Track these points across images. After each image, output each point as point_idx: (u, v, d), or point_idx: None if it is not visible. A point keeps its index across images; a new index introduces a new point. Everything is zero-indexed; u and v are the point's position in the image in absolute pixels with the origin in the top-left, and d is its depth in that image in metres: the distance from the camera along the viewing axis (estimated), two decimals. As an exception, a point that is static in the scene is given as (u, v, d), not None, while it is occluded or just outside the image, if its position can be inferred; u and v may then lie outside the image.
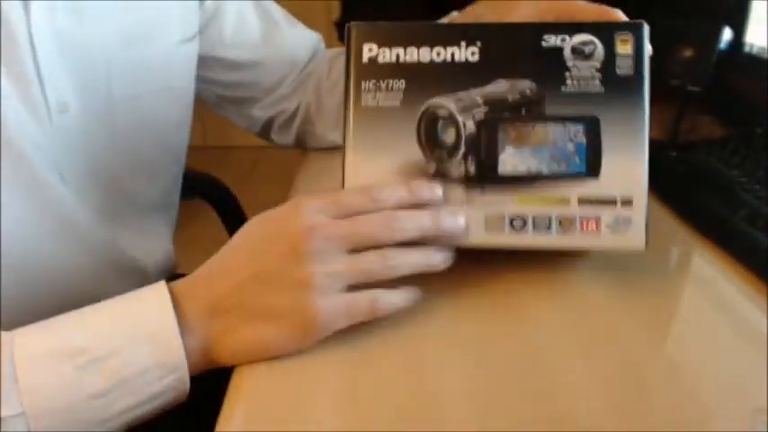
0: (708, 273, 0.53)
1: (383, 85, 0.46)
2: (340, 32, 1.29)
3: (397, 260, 0.41)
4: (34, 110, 0.51)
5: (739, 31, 0.79)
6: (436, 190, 0.44)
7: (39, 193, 0.53)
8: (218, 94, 0.76)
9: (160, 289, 0.41)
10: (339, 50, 0.80)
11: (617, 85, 0.44)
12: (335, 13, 1.32)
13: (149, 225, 0.68)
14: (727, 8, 0.80)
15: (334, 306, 0.40)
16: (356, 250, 0.41)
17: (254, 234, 0.43)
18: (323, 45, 0.81)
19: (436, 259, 0.43)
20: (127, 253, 0.63)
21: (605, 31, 0.45)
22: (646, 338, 0.44)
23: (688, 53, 0.77)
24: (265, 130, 0.80)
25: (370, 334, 0.43)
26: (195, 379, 0.41)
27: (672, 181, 0.65)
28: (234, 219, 0.93)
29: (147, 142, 0.64)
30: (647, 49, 0.45)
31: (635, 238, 0.45)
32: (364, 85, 0.46)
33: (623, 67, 0.44)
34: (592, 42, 0.44)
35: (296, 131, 0.78)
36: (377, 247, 0.41)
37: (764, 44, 0.76)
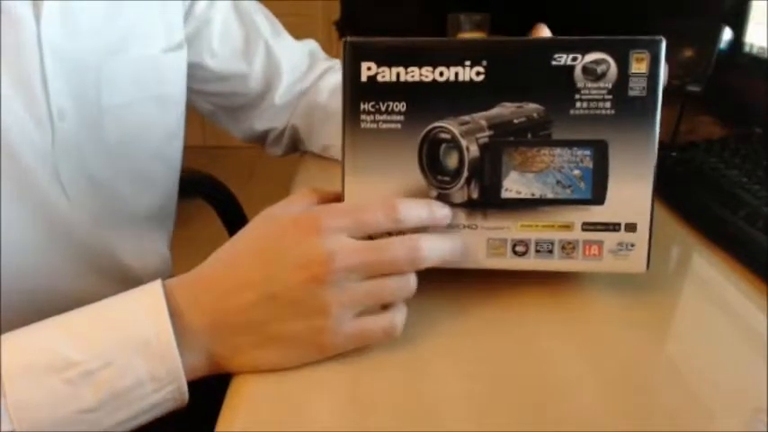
0: (708, 273, 0.53)
1: (383, 107, 0.43)
2: (340, 32, 1.29)
3: (411, 286, 0.41)
4: (37, 116, 0.51)
5: (739, 31, 0.79)
6: (447, 211, 0.43)
7: (36, 200, 0.53)
8: (212, 103, 0.77)
9: (155, 295, 0.39)
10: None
11: (628, 108, 0.42)
12: (335, 13, 1.32)
13: (146, 234, 0.67)
14: (727, 8, 0.80)
15: (349, 333, 0.40)
16: (374, 276, 0.40)
17: (266, 252, 0.40)
18: (320, 60, 0.81)
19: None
20: (123, 261, 0.62)
21: (620, 49, 0.42)
22: (646, 338, 0.44)
23: (688, 53, 0.77)
24: (259, 141, 0.82)
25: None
26: (194, 381, 0.40)
27: (672, 181, 0.65)
28: (234, 219, 0.93)
29: (139, 151, 0.63)
30: (664, 67, 0.43)
31: (637, 261, 0.45)
32: (363, 106, 0.43)
33: (636, 88, 0.42)
34: (605, 61, 0.42)
35: (285, 148, 0.82)
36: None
37: (764, 44, 0.76)
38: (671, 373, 0.40)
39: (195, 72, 0.70)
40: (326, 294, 0.38)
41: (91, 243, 0.59)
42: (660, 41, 0.42)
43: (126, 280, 0.62)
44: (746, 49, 0.79)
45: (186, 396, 0.39)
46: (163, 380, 0.37)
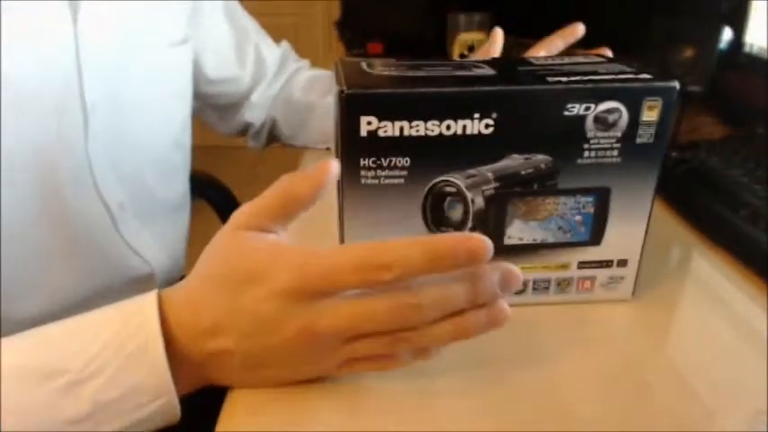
0: (708, 273, 0.53)
1: (385, 163, 0.40)
2: (340, 33, 1.29)
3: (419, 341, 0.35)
4: (72, 112, 0.52)
5: (739, 31, 0.79)
6: (486, 246, 0.32)
7: (67, 196, 0.54)
8: (202, 101, 0.80)
9: (149, 309, 0.37)
10: (315, 74, 0.87)
11: (634, 155, 0.42)
12: (335, 13, 1.32)
13: (167, 226, 0.69)
14: (727, 8, 0.80)
15: (345, 370, 0.38)
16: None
17: (238, 292, 0.35)
18: (290, 60, 0.86)
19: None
20: (141, 256, 0.63)
21: (635, 97, 0.40)
22: (646, 338, 0.44)
23: (688, 53, 0.77)
24: (241, 135, 0.88)
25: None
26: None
27: (672, 181, 0.65)
28: (234, 219, 0.93)
29: (161, 142, 0.65)
30: (674, 112, 0.41)
31: (624, 291, 0.47)
32: (363, 162, 0.40)
33: (644, 135, 0.41)
34: (617, 110, 0.40)
35: (265, 142, 0.88)
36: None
37: (764, 44, 0.76)
38: (671, 373, 0.40)
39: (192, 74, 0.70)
40: (313, 354, 0.36)
41: (112, 241, 0.60)
42: (674, 89, 0.40)
43: (142, 278, 0.63)
44: (746, 49, 0.79)
45: (178, 411, 0.37)
46: (152, 393, 0.36)
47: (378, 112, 0.39)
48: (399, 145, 0.40)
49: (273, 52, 0.83)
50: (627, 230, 0.44)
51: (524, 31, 1.23)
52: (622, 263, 0.45)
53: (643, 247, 0.45)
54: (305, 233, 0.40)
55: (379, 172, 0.41)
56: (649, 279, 0.48)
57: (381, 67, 0.45)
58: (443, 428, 0.36)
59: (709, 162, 0.66)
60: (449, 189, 0.41)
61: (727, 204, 0.57)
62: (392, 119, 0.39)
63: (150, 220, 0.65)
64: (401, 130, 0.39)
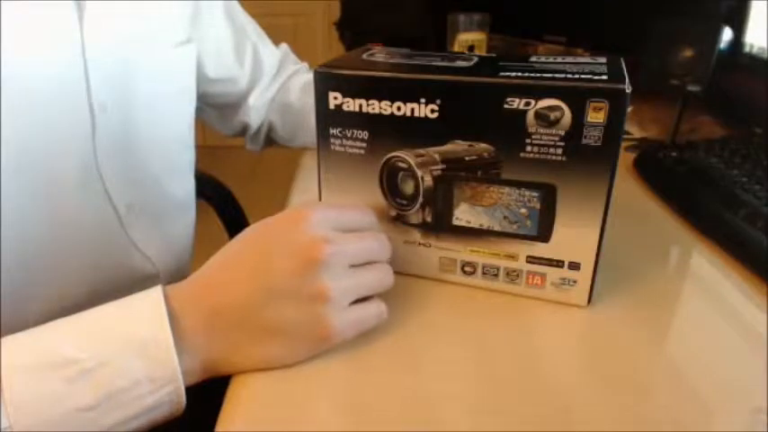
0: (708, 273, 0.53)
1: (348, 134, 0.46)
2: (340, 33, 1.29)
3: (391, 277, 0.43)
4: (79, 111, 0.53)
5: (739, 31, 0.79)
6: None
7: (73, 196, 0.54)
8: (201, 101, 0.80)
9: (155, 299, 0.39)
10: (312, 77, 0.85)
11: (580, 156, 0.41)
12: (335, 13, 1.33)
13: (174, 226, 0.69)
14: (727, 8, 0.80)
15: (347, 320, 0.40)
16: (355, 266, 0.41)
17: (258, 245, 0.41)
18: (289, 63, 0.86)
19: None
20: (147, 256, 0.63)
21: (576, 97, 0.40)
22: (646, 338, 0.44)
23: (688, 53, 0.77)
24: (240, 136, 0.88)
25: (369, 336, 0.43)
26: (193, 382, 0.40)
27: (672, 181, 0.66)
28: (234, 219, 0.93)
29: (170, 141, 0.65)
30: (625, 116, 0.40)
31: (578, 296, 0.46)
32: (332, 131, 0.46)
33: (591, 137, 0.40)
34: (559, 108, 0.40)
35: (263, 144, 0.88)
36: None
37: (764, 44, 0.76)
38: (671, 373, 0.40)
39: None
40: (323, 278, 0.38)
41: (118, 241, 0.60)
42: (621, 92, 0.39)
43: (146, 278, 0.63)
44: (746, 49, 0.79)
45: (183, 399, 0.39)
46: (160, 381, 0.37)
47: (341, 89, 0.45)
48: (359, 119, 0.45)
49: (271, 54, 0.83)
50: (579, 233, 0.44)
51: (524, 32, 1.24)
52: (574, 266, 0.45)
53: (598, 254, 0.44)
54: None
55: (345, 141, 0.47)
56: (649, 278, 0.48)
57: (379, 54, 0.50)
58: (442, 429, 0.36)
59: (709, 162, 0.66)
60: (401, 165, 0.46)
61: (727, 204, 0.57)
62: (353, 96, 0.45)
63: (158, 219, 0.65)
64: (360, 106, 0.45)
